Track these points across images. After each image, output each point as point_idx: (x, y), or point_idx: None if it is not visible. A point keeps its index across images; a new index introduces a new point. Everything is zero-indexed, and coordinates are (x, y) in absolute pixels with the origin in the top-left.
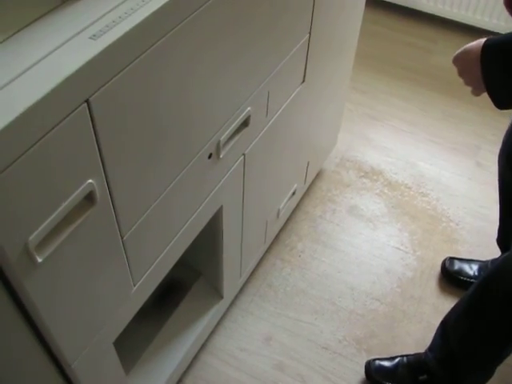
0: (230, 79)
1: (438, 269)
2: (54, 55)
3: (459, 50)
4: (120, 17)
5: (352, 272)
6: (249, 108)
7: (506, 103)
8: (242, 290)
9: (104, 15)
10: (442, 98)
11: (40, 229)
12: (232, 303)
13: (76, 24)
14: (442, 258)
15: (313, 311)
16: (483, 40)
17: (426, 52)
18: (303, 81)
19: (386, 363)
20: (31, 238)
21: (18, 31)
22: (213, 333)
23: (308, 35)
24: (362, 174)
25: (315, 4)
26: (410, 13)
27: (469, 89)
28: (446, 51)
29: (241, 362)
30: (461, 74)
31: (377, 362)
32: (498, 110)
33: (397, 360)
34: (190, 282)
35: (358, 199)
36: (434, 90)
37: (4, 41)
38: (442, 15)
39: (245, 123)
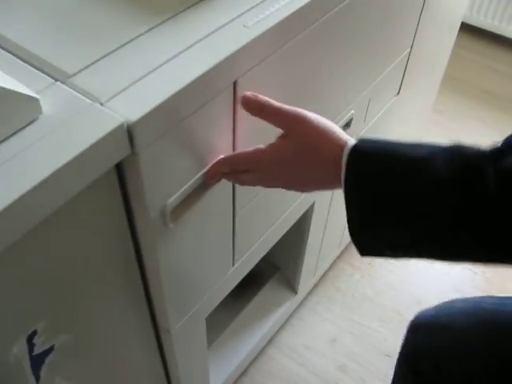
0: (343, 81)
1: (507, 292)
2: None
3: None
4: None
5: (420, 286)
6: (352, 111)
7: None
8: (310, 291)
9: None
10: None
11: (179, 193)
12: (300, 302)
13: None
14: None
15: (378, 319)
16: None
17: (510, 78)
18: (398, 93)
19: None
20: (170, 201)
21: (184, 10)
22: (280, 328)
23: (409, 49)
24: None
25: (420, 21)
26: (500, 40)
27: None
28: None
29: (304, 358)
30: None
31: None
32: None
33: None
34: (268, 276)
35: None
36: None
37: (174, 16)
38: None
39: (347, 125)
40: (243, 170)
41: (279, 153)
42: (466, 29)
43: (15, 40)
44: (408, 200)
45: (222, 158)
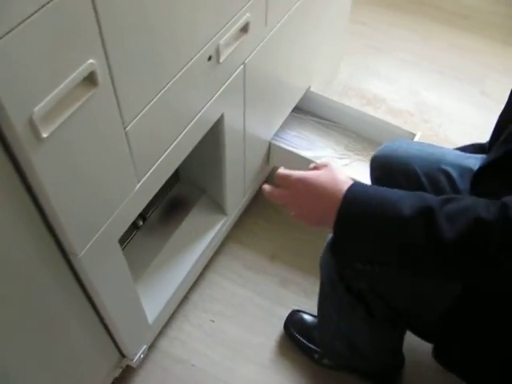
0: None
1: None
2: None
3: (303, 175)
4: None
5: None
6: (248, 14)
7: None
8: (246, 212)
9: None
10: (446, 29)
11: (44, 102)
12: (237, 225)
13: None
14: None
15: (316, 231)
16: (344, 186)
17: None
18: None
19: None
20: (36, 109)
21: None
22: (218, 252)
23: None
24: (365, 101)
25: None
26: None
27: (478, 18)
28: None
29: (245, 279)
30: (294, 201)
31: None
32: (507, 41)
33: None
34: (195, 199)
35: None
36: (439, 21)
37: None
38: None
39: (244, 29)
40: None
41: (307, 173)
42: None
43: None
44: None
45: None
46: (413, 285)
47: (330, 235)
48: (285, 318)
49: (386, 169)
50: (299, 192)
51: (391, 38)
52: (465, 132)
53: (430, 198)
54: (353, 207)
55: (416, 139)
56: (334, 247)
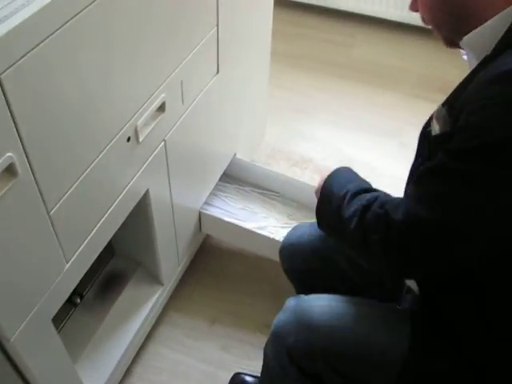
0: (140, 65)
1: None
2: None
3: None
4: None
5: None
6: (163, 95)
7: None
8: (183, 280)
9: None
10: (364, 88)
11: None
12: (175, 294)
13: None
14: None
15: (251, 294)
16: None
17: (347, 46)
18: (217, 72)
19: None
20: None
21: None
22: (159, 322)
23: (216, 28)
24: (292, 162)
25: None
26: (329, 12)
27: (391, 76)
28: (365, 44)
29: (187, 347)
30: None
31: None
32: (419, 95)
33: None
34: (130, 272)
35: None
36: (357, 81)
37: None
38: (359, 12)
39: (161, 109)
40: None
41: None
42: (296, 6)
43: None
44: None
45: None
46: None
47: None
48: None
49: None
50: None
51: (313, 100)
52: (389, 184)
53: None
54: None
55: None
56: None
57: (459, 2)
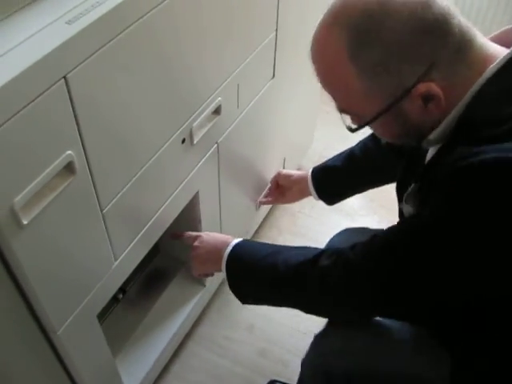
0: (199, 69)
1: None
2: (36, 37)
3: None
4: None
5: None
6: (219, 98)
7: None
8: (224, 282)
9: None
10: None
11: (25, 192)
12: (215, 294)
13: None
14: None
15: None
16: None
17: None
18: (273, 76)
19: None
20: (17, 199)
21: (7, 17)
22: (198, 322)
23: (275, 32)
24: None
25: (279, 3)
26: None
27: None
28: None
29: (225, 349)
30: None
31: None
32: None
33: None
34: (174, 271)
35: None
36: None
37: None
38: None
39: (216, 112)
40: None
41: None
42: None
43: None
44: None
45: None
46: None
47: (317, 332)
48: None
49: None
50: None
51: None
52: None
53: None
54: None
55: None
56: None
57: (412, 127)
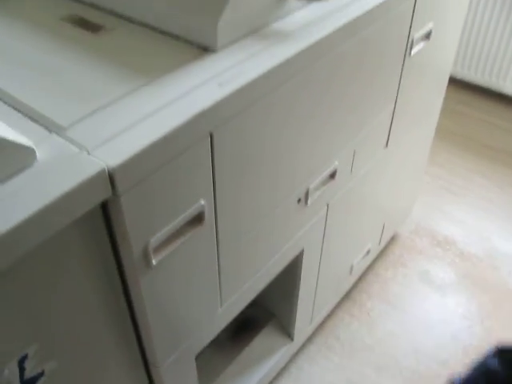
0: (324, 136)
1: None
2: (189, 96)
3: None
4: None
5: (418, 334)
6: (336, 162)
7: None
8: (310, 339)
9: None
10: None
11: (159, 234)
12: (299, 351)
13: (207, 73)
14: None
15: (376, 367)
16: None
17: (508, 132)
18: (386, 146)
19: None
20: (152, 239)
21: (162, 75)
22: (279, 376)
23: (394, 105)
24: (435, 242)
25: (402, 77)
26: (495, 95)
27: None
28: None
29: None
30: None
31: None
32: None
33: None
34: (264, 321)
35: (429, 266)
36: None
37: (151, 82)
38: None
39: (332, 176)
40: None
41: None
42: (462, 85)
43: (15, 95)
44: None
45: None
46: None
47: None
48: None
49: None
50: None
51: (466, 182)
52: None
53: None
54: None
55: None
56: None
57: None
